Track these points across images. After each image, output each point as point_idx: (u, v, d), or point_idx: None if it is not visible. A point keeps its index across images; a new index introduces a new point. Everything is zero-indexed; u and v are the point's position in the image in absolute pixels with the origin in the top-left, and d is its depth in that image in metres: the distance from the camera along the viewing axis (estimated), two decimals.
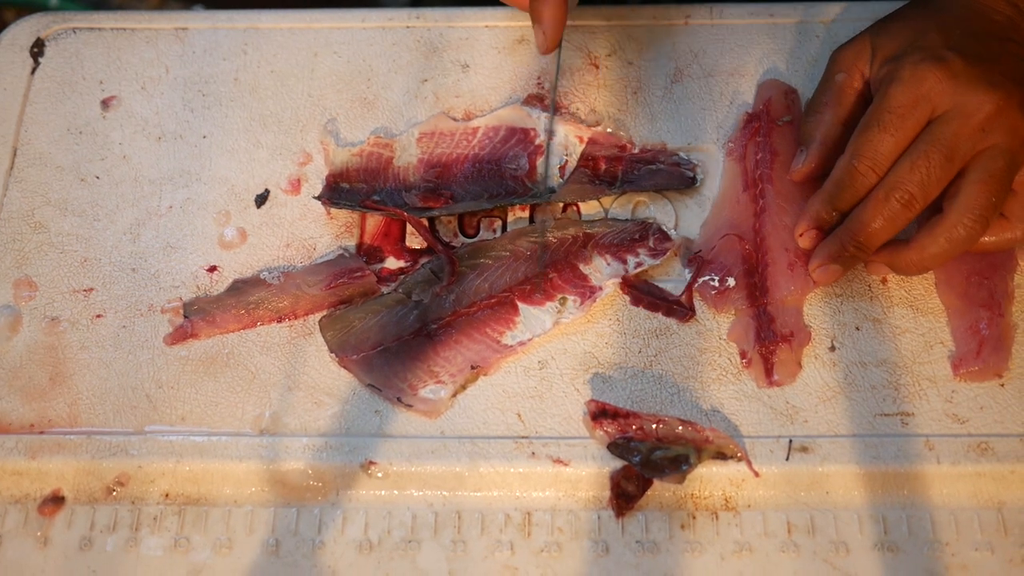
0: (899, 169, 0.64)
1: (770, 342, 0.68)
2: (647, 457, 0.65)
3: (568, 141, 0.76)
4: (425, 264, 0.72)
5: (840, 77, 0.70)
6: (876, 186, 0.65)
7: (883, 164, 0.65)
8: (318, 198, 0.75)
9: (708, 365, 0.68)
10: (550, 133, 0.75)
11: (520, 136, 0.76)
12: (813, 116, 0.71)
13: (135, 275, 0.73)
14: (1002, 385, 0.67)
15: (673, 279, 0.72)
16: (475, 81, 0.80)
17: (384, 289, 0.72)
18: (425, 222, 0.73)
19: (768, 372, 0.67)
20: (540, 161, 0.75)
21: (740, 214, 0.72)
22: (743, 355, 0.68)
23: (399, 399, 0.67)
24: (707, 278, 0.71)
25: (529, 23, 0.81)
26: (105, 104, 0.80)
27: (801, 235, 0.67)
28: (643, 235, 0.72)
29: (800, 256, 0.70)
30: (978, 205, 0.63)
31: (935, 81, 0.65)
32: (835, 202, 0.66)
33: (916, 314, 0.69)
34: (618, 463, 0.65)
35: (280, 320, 0.71)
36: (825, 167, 0.69)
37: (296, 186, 0.76)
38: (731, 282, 0.70)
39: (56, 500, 0.66)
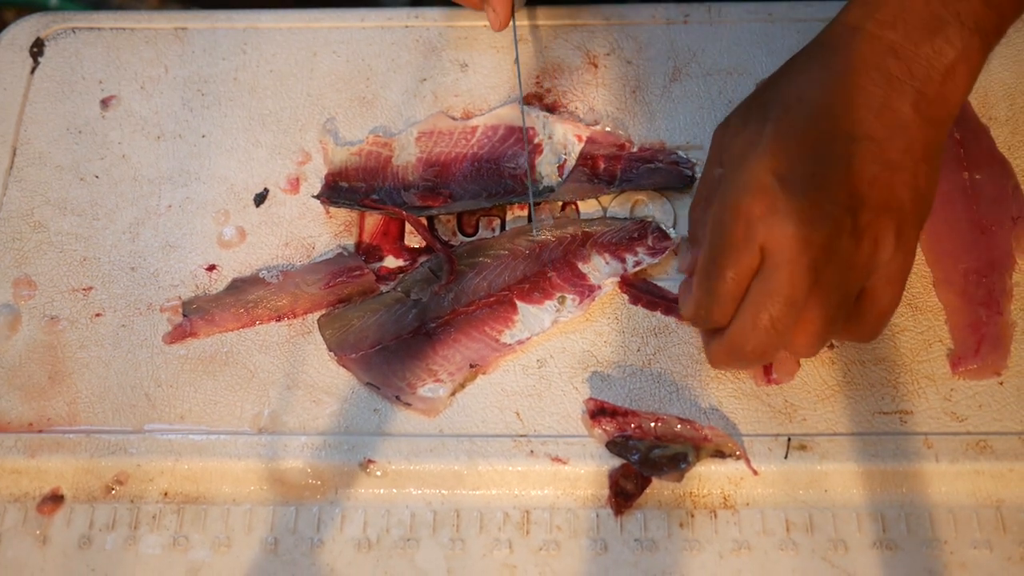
0: (740, 323, 0.58)
1: None
2: (646, 455, 0.65)
3: (567, 140, 0.76)
4: (424, 263, 0.72)
5: (710, 168, 0.64)
6: (725, 331, 0.60)
7: (726, 302, 0.59)
8: (317, 197, 0.75)
9: (706, 363, 0.68)
10: (523, 128, 0.76)
11: (519, 135, 0.76)
12: (692, 211, 0.66)
13: (134, 274, 0.73)
14: (1001, 383, 0.67)
15: (672, 277, 0.71)
16: (474, 80, 0.80)
17: (383, 288, 0.72)
18: (424, 221, 0.73)
19: (767, 370, 0.67)
20: (539, 160, 0.75)
21: None
22: None
23: (398, 398, 0.67)
24: None
25: (527, 22, 0.82)
26: (104, 104, 0.80)
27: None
28: (642, 234, 0.72)
29: None
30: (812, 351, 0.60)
31: (758, 217, 0.56)
32: (695, 321, 0.63)
33: (915, 312, 0.69)
34: (617, 461, 0.65)
35: (279, 319, 0.71)
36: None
37: (295, 185, 0.76)
38: None
39: (55, 499, 0.66)
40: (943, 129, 0.59)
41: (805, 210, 0.56)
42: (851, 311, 0.59)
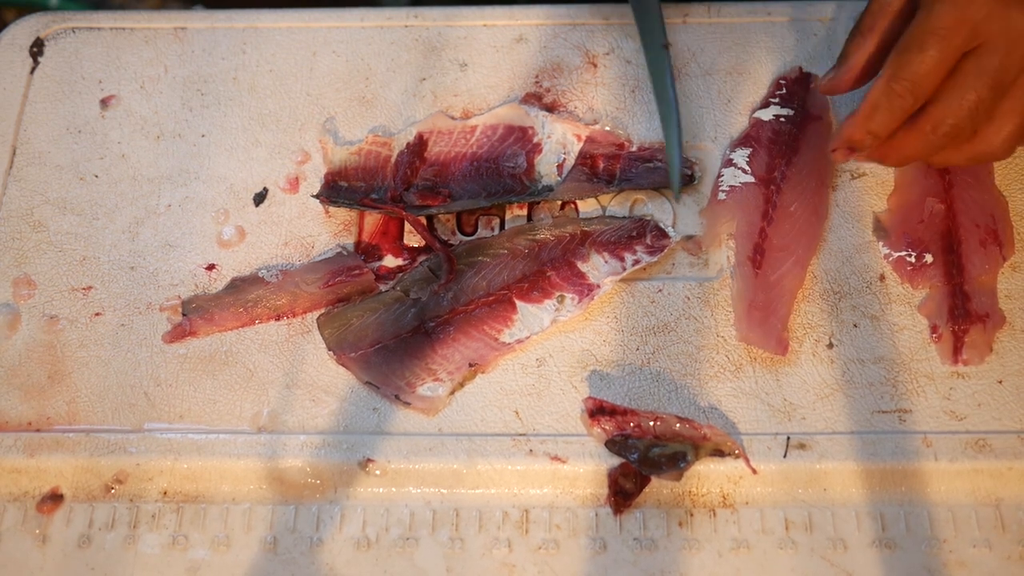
0: (947, 102, 0.62)
1: (964, 321, 0.67)
2: (645, 454, 0.65)
3: (566, 139, 0.76)
4: (423, 262, 0.72)
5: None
6: (919, 113, 0.63)
7: (922, 87, 0.62)
8: (316, 196, 0.75)
9: (706, 362, 0.68)
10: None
11: (518, 134, 0.76)
12: (855, 39, 0.66)
13: (134, 273, 0.73)
14: (1000, 382, 0.67)
15: (671, 276, 0.72)
16: (473, 80, 0.80)
17: (382, 287, 0.72)
18: (423, 220, 0.73)
19: (957, 350, 0.67)
20: (538, 159, 0.75)
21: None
22: (934, 329, 0.68)
23: (397, 397, 0.67)
24: (903, 253, 0.71)
25: (527, 21, 0.82)
26: (104, 103, 0.80)
27: (834, 151, 0.65)
28: (640, 232, 0.72)
29: (990, 233, 0.70)
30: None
31: (982, 3, 0.60)
32: (870, 124, 0.63)
33: (914, 311, 0.69)
34: (616, 460, 0.65)
35: (278, 318, 0.71)
36: (855, 87, 0.67)
37: (294, 185, 0.76)
38: (928, 258, 0.70)
39: (55, 498, 0.66)
40: None
41: None
42: None
